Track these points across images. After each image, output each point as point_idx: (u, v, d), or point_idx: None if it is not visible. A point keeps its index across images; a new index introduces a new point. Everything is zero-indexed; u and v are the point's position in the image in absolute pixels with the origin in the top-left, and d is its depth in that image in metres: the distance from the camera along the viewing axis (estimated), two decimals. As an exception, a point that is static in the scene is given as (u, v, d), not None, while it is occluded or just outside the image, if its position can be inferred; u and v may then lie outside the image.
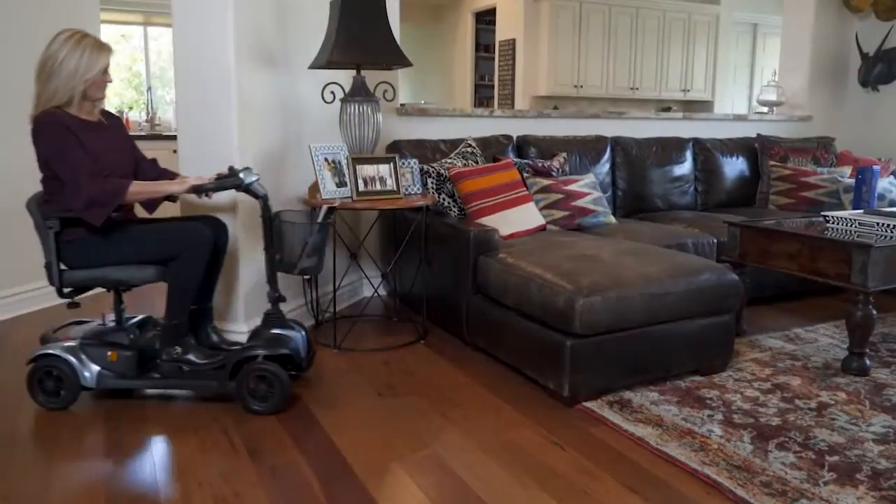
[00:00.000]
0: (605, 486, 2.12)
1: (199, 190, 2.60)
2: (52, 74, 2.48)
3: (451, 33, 9.43)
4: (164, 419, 2.56)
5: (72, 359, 2.61)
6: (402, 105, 4.19)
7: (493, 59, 8.58)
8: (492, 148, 4.07)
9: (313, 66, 3.31)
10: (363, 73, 3.37)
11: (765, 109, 5.68)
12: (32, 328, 3.64)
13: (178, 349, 2.63)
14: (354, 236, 4.07)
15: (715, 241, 3.85)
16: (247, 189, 2.63)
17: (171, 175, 2.80)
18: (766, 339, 3.51)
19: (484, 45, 9.04)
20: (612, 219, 4.01)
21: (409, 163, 3.52)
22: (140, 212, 2.77)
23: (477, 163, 3.84)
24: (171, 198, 2.73)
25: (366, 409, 2.66)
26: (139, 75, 7.25)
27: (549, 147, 4.24)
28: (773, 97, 5.57)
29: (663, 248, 3.24)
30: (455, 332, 3.40)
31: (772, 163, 4.85)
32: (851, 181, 4.50)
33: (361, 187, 3.25)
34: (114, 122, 2.74)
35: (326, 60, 3.18)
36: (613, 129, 4.75)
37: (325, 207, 2.90)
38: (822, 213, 3.40)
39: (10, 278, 3.90)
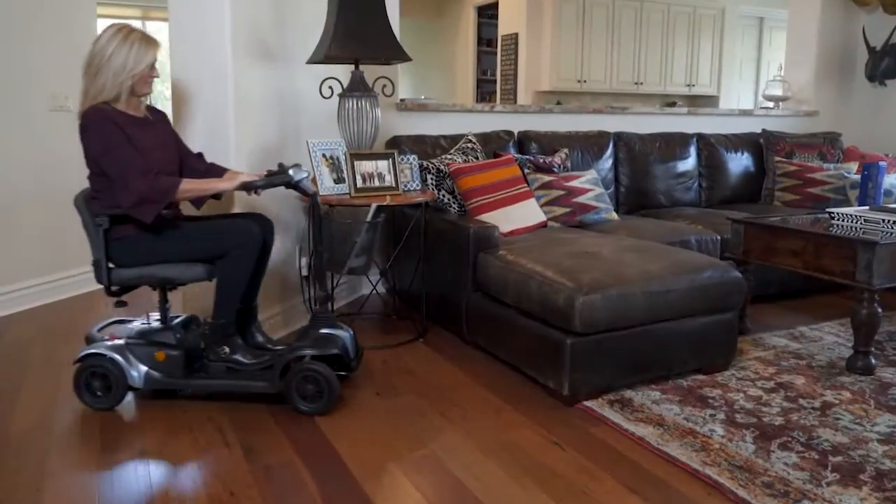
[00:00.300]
0: (605, 487, 2.11)
1: (248, 187, 2.58)
2: (99, 70, 2.46)
3: (453, 27, 9.42)
4: (158, 418, 2.56)
5: (119, 358, 2.58)
6: (401, 100, 4.18)
7: (496, 53, 8.57)
8: (492, 143, 4.06)
9: (311, 61, 3.30)
10: (362, 67, 3.36)
11: (770, 104, 5.65)
12: (26, 325, 3.64)
13: (226, 349, 2.62)
14: (353, 233, 4.06)
15: (719, 237, 3.84)
16: (296, 186, 2.59)
17: (219, 169, 2.77)
18: (770, 338, 3.50)
19: (486, 40, 9.03)
20: (615, 215, 4.00)
21: (408, 159, 3.51)
22: (187, 208, 2.76)
23: (477, 158, 3.83)
24: (217, 195, 2.69)
25: (364, 408, 2.65)
26: (138, 70, 7.25)
27: (550, 143, 4.23)
28: (778, 92, 5.54)
29: (665, 245, 3.22)
30: (455, 330, 3.40)
31: (777, 159, 4.83)
32: (858, 177, 4.48)
33: (359, 183, 3.24)
34: (158, 118, 2.72)
35: (324, 55, 3.17)
36: (616, 125, 4.73)
37: (373, 206, 2.84)
38: (827, 210, 3.39)
39: (7, 276, 3.89)
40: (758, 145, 4.97)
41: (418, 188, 3.49)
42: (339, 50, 3.17)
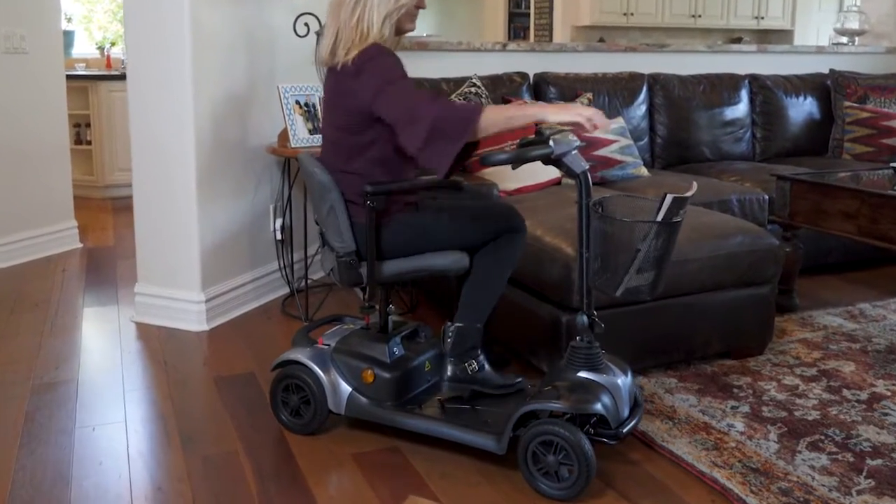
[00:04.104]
0: (591, 490, 2.02)
1: (488, 161, 2.13)
2: (357, 7, 2.17)
3: (483, -47, 9.18)
4: (93, 403, 2.55)
5: (319, 372, 2.27)
6: (397, 38, 4.06)
7: (530, -17, 8.33)
8: (503, 87, 3.93)
9: (284, -7, 3.22)
10: None
11: (844, 40, 5.37)
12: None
13: (474, 364, 2.28)
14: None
15: (767, 197, 3.67)
16: (558, 162, 2.12)
17: None
18: (822, 316, 3.35)
19: (520, -33, 8.79)
20: (644, 171, 3.85)
21: (397, 105, 3.40)
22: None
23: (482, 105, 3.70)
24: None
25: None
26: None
27: (571, 86, 4.07)
28: (854, 25, 5.26)
29: (693, 206, 3.08)
30: (446, 303, 3.31)
31: (847, 104, 4.59)
32: (943, 126, 4.23)
33: (336, 134, 3.16)
34: None
35: (297, -15, 3.09)
36: (652, 65, 4.53)
37: (668, 198, 2.03)
38: (892, 164, 3.19)
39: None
40: (825, 88, 4.73)
41: (408, 140, 3.39)
42: (314, -21, 3.08)
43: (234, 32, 3.26)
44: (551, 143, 2.08)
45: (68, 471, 2.12)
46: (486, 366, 2.29)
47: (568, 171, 2.13)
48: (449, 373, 2.27)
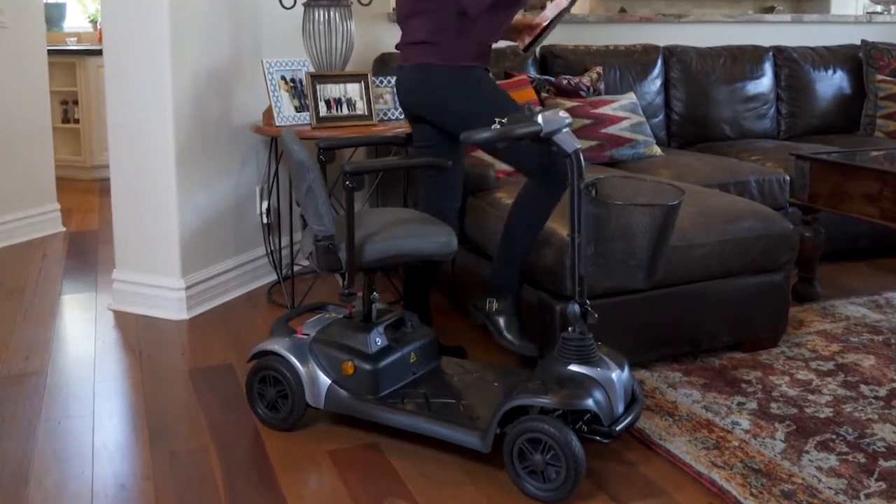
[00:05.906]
0: (580, 492, 1.99)
1: (470, 140, 2.12)
2: None
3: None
4: (61, 395, 2.55)
5: (297, 364, 2.26)
6: (394, 10, 4.01)
7: (547, -51, 8.23)
8: (506, 61, 3.88)
9: (269, -40, 3.19)
10: (331, -32, 3.23)
11: (878, 8, 5.25)
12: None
13: (496, 304, 2.49)
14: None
15: (787, 178, 3.62)
16: (546, 141, 2.07)
17: None
18: (844, 306, 3.30)
19: (537, -68, 8.67)
20: (657, 150, 3.79)
21: (389, 81, 3.37)
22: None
23: (482, 80, 3.66)
24: None
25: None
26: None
27: (580, 60, 4.03)
28: (891, -9, 5.14)
29: (702, 188, 3.04)
30: (442, 289, 3.29)
31: (879, 77, 4.51)
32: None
33: (323, 111, 3.15)
34: None
35: (282, -48, 3.07)
36: (668, 37, 4.46)
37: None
38: (921, 143, 3.12)
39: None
40: (856, 61, 4.64)
41: (402, 118, 3.35)
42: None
43: (216, 2, 3.24)
44: (539, 119, 2.04)
45: (29, 466, 2.12)
46: (511, 323, 2.49)
47: (558, 150, 2.09)
48: (477, 302, 2.54)
